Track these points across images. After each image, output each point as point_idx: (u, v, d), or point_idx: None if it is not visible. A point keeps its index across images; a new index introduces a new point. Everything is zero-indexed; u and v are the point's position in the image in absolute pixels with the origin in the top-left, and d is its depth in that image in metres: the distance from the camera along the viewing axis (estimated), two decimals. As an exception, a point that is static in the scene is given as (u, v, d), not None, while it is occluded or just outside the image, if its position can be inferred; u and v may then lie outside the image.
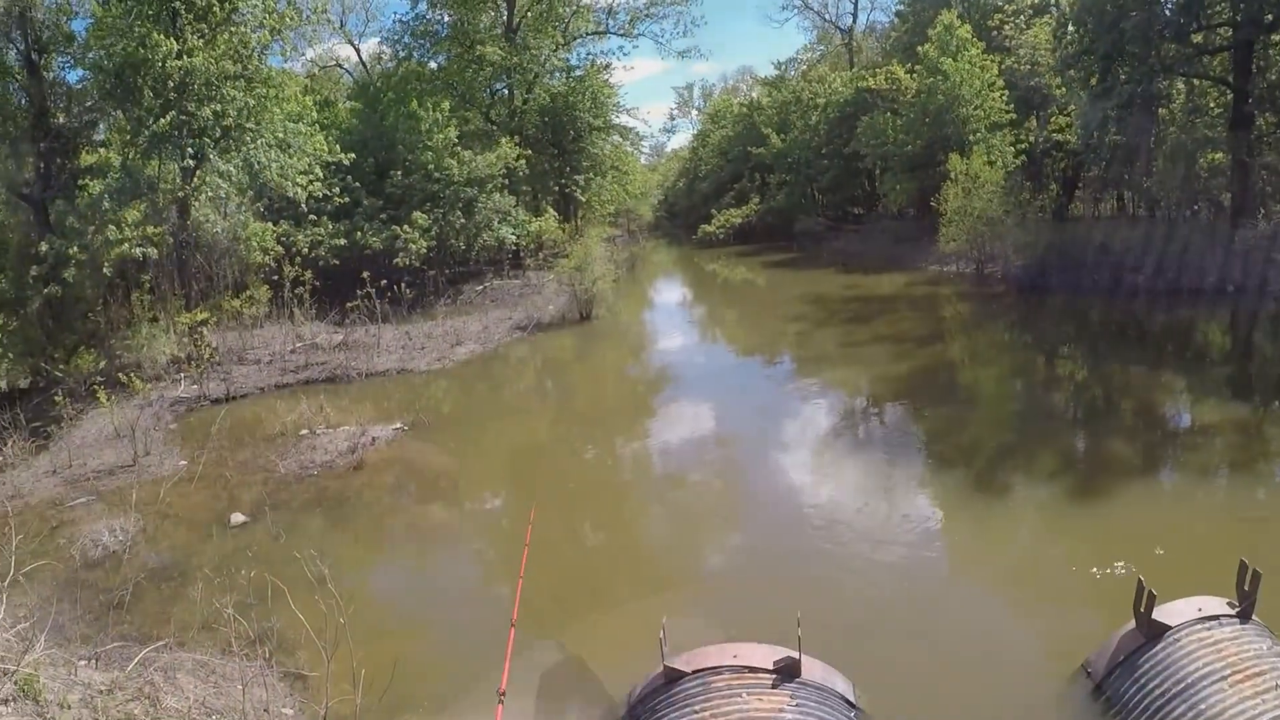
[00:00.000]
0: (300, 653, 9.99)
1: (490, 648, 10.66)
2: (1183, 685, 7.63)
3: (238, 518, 14.18)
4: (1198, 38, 31.60)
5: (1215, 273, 27.57)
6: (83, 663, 8.81)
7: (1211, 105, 33.97)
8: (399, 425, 18.67)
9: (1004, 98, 41.40)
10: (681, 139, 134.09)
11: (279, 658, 10.04)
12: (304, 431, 18.12)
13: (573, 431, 19.89)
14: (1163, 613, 8.25)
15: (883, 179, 51.32)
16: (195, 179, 24.29)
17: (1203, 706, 7.38)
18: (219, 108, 23.16)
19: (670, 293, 47.41)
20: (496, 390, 23.74)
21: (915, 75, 45.92)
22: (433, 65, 43.56)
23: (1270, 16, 28.72)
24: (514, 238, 38.18)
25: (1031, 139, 41.25)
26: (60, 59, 24.63)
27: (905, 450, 16.63)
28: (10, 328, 20.77)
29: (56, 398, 18.74)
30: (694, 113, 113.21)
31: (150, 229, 22.35)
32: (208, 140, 23.47)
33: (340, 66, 51.31)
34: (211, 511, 14.61)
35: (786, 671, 8.14)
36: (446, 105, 37.77)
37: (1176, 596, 8.45)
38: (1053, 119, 41.16)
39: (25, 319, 20.83)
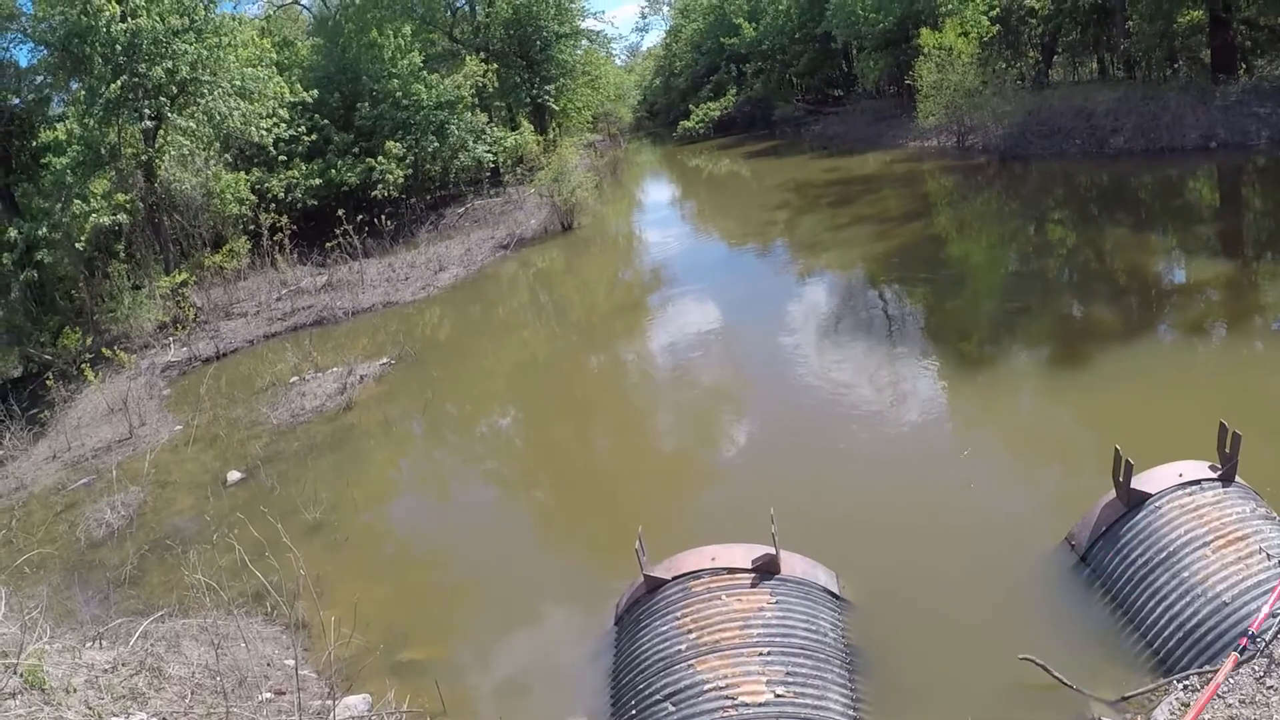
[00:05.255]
0: (300, 603, 10.07)
1: (491, 575, 10.93)
2: (1165, 553, 7.58)
3: (234, 475, 14.33)
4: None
5: (1198, 129, 27.19)
6: (88, 645, 8.97)
7: (1187, -39, 33.13)
8: (386, 360, 18.78)
9: (975, -33, 40.41)
10: (655, 37, 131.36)
11: (279, 611, 10.18)
12: (294, 379, 18.20)
13: (571, 342, 20.07)
14: (1143, 480, 8.18)
15: (858, 58, 50.53)
16: (157, 140, 24.01)
17: (1185, 574, 7.34)
18: (170, 64, 22.74)
19: (655, 192, 47.13)
20: (487, 311, 23.74)
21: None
22: (390, -10, 42.63)
23: None
24: (490, 156, 37.78)
25: (1005, 6, 40.43)
26: (6, 37, 24.19)
27: (906, 328, 16.99)
28: (-6, 318, 20.81)
29: (48, 382, 18.72)
30: (665, 9, 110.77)
31: (120, 197, 22.15)
32: (164, 99, 23.16)
33: (298, 3, 50.23)
34: (209, 473, 14.76)
35: (765, 569, 8.21)
36: (408, 30, 37.09)
37: (1165, 460, 8.39)
38: (1027, -16, 40.35)
39: (8, 307, 20.77)
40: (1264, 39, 32.35)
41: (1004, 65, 36.93)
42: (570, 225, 31.38)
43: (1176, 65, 34.56)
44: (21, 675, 7.06)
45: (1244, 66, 30.56)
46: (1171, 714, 6.52)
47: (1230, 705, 6.37)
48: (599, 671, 8.31)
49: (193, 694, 8.17)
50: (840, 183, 33.77)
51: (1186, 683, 6.74)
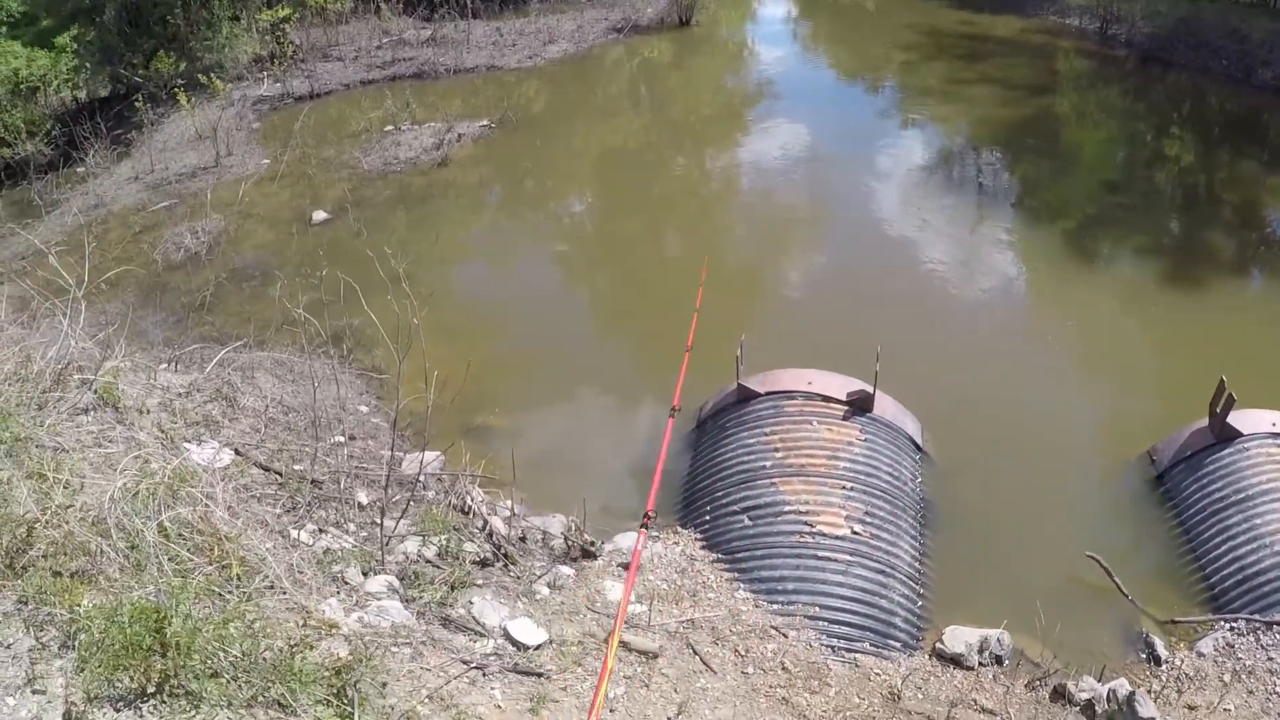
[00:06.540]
0: (377, 350, 10.01)
1: (562, 348, 10.77)
2: (1243, 495, 7.55)
3: (319, 215, 14.02)
4: None
5: (1359, 88, 24.91)
6: (163, 367, 8.73)
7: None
8: (486, 123, 18.19)
9: None
10: None
11: (356, 355, 10.08)
12: (389, 128, 17.70)
13: (664, 138, 19.38)
14: (1238, 419, 8.08)
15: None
16: None
17: (1258, 521, 7.31)
18: None
19: (775, 6, 45.37)
20: (588, 92, 22.91)
21: None
22: None
23: None
24: (615, -68, 36.03)
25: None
26: None
27: (998, 199, 16.23)
28: (88, 37, 20.01)
29: (137, 103, 18.21)
30: None
31: (223, -80, 21.23)
32: None
33: None
34: (293, 210, 14.44)
35: (859, 405, 8.12)
36: None
37: (1251, 407, 8.24)
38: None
39: (102, 27, 19.67)
40: None
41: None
42: (687, 20, 29.83)
43: (1350, 10, 31.86)
44: (97, 392, 6.80)
45: None
46: (1215, 650, 6.67)
47: (1272, 659, 6.54)
48: (669, 470, 8.10)
49: (265, 428, 7.94)
50: (970, 38, 31.94)
51: (1235, 625, 6.85)
